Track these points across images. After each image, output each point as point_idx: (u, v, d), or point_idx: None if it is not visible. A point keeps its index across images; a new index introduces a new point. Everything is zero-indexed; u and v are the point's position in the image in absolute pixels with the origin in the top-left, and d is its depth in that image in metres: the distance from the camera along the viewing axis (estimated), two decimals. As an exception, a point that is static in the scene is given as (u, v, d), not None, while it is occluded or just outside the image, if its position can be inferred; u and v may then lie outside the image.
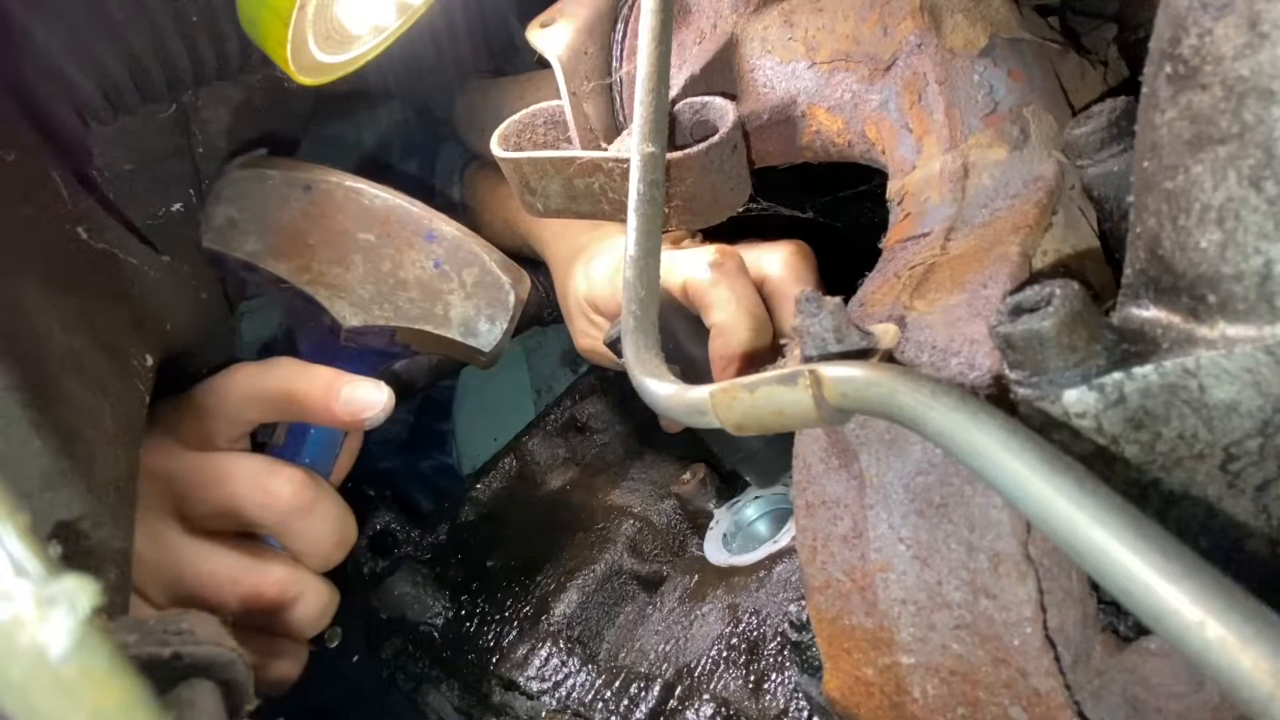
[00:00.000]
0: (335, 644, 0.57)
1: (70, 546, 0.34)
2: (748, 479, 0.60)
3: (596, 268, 0.63)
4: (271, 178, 0.55)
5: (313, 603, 0.50)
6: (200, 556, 0.48)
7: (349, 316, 0.54)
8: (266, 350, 0.74)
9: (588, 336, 0.66)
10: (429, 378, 0.78)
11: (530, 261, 0.73)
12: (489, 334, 0.57)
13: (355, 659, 0.65)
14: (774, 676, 0.49)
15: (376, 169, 0.78)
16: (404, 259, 0.54)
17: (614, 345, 0.56)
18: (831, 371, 0.26)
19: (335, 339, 0.55)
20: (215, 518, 0.49)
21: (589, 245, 0.65)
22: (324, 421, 0.52)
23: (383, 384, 0.51)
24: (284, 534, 0.50)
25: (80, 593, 0.14)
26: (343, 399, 0.50)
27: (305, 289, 0.54)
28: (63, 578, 0.14)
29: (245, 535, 0.51)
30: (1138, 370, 0.23)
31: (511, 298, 0.58)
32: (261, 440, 0.56)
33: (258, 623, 0.49)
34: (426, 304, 0.55)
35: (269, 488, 0.49)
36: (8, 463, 0.33)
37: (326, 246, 0.54)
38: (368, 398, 0.50)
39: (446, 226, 0.55)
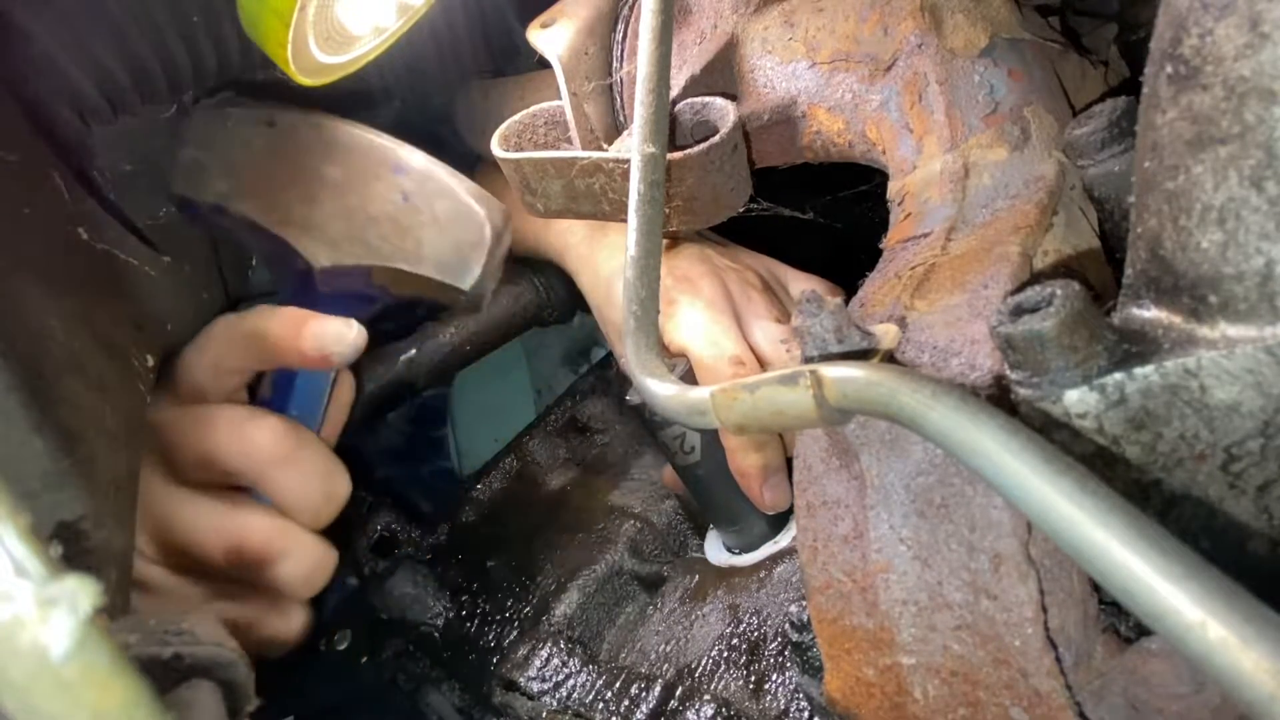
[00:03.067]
0: (345, 646, 0.56)
1: (71, 547, 0.34)
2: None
3: None
4: (232, 115, 0.53)
5: (302, 559, 0.49)
6: (184, 506, 0.47)
7: (320, 256, 0.52)
8: None
9: None
10: (429, 378, 0.78)
11: (540, 264, 0.73)
12: (466, 270, 0.53)
13: (363, 660, 0.65)
14: (775, 677, 0.49)
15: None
16: (371, 193, 0.52)
17: (638, 408, 0.56)
18: (832, 372, 0.26)
19: (312, 283, 0.53)
20: (199, 468, 0.48)
21: None
22: (293, 361, 0.51)
23: (352, 321, 0.50)
24: (265, 484, 0.49)
25: (81, 593, 0.14)
26: (308, 334, 0.49)
27: (275, 230, 0.52)
28: (64, 578, 0.14)
29: (236, 490, 0.51)
30: (1139, 370, 0.23)
31: (487, 230, 0.54)
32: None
33: (246, 577, 0.48)
34: (398, 240, 0.52)
35: (247, 436, 0.48)
36: (9, 463, 0.33)
37: (293, 184, 0.52)
38: (333, 331, 0.49)
39: (413, 157, 0.52)
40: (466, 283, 0.54)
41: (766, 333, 0.57)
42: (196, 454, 0.48)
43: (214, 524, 0.47)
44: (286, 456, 0.49)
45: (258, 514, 0.49)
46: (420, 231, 0.52)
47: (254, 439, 0.48)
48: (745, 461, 0.54)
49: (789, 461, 0.57)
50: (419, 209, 0.52)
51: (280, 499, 0.50)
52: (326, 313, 0.51)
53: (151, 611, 0.46)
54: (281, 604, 0.51)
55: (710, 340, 0.55)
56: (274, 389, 0.54)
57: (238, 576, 0.48)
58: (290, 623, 0.51)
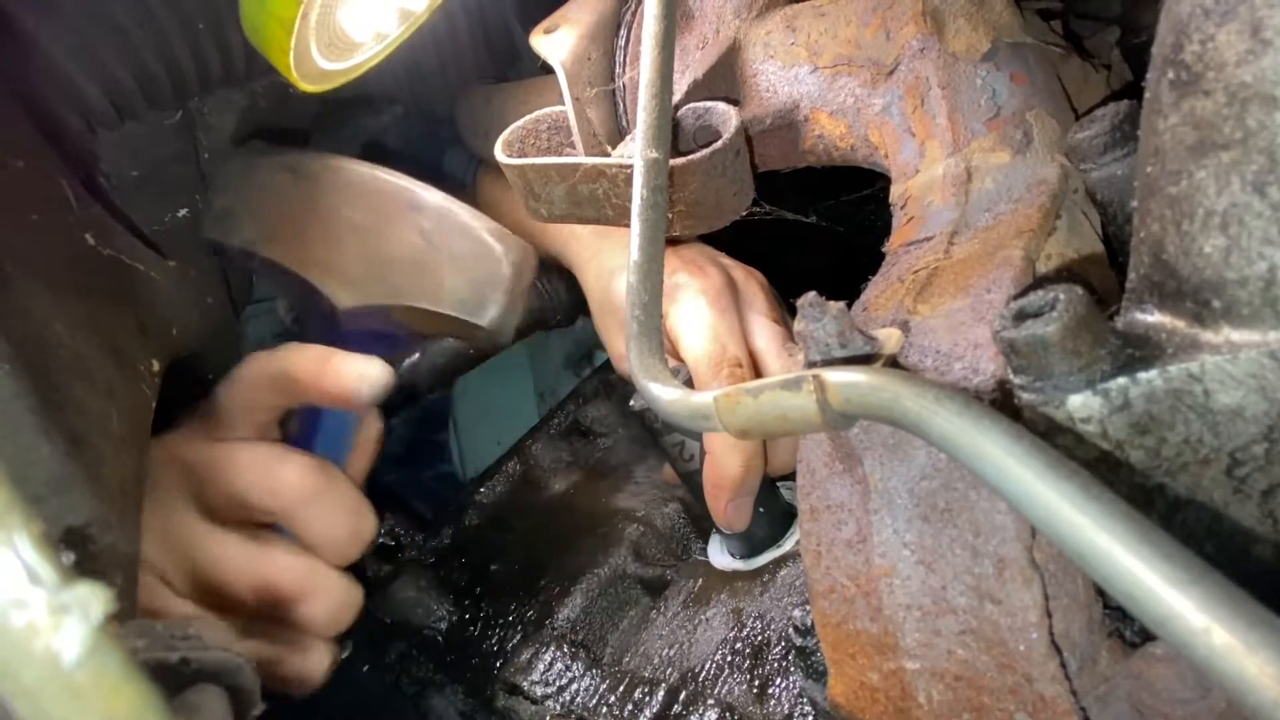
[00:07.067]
0: (345, 654, 0.56)
1: (78, 551, 0.34)
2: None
3: None
4: (259, 165, 0.54)
5: (328, 597, 0.50)
6: (214, 543, 0.48)
7: (343, 297, 0.53)
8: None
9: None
10: (432, 381, 0.78)
11: (543, 267, 0.73)
12: (485, 308, 0.54)
13: (365, 669, 0.65)
14: (778, 681, 0.49)
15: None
16: (390, 234, 0.52)
17: (641, 414, 0.56)
18: (835, 376, 0.26)
19: (337, 323, 0.54)
20: (230, 507, 0.49)
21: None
22: (317, 399, 0.51)
23: (375, 359, 0.50)
24: (293, 522, 0.50)
25: (92, 600, 0.14)
26: (329, 373, 0.50)
27: (300, 272, 0.53)
28: (75, 585, 0.14)
29: (266, 528, 0.51)
30: (1142, 375, 0.23)
31: (505, 267, 0.54)
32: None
33: (274, 615, 0.49)
34: (417, 280, 0.53)
35: (275, 474, 0.49)
36: (17, 468, 0.33)
37: (316, 228, 0.53)
38: (356, 370, 0.49)
39: (429, 195, 0.52)
40: (485, 319, 0.54)
41: (766, 332, 0.56)
42: (227, 491, 0.49)
43: (244, 561, 0.48)
44: (313, 495, 0.49)
45: (286, 552, 0.49)
46: (439, 271, 0.53)
47: (281, 477, 0.49)
48: (725, 469, 0.53)
49: (775, 483, 0.57)
50: (437, 248, 0.53)
51: (307, 537, 0.50)
52: (355, 351, 0.51)
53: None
54: (306, 642, 0.51)
55: (713, 335, 0.54)
56: (300, 426, 0.54)
57: (266, 614, 0.49)
58: (315, 660, 0.51)
